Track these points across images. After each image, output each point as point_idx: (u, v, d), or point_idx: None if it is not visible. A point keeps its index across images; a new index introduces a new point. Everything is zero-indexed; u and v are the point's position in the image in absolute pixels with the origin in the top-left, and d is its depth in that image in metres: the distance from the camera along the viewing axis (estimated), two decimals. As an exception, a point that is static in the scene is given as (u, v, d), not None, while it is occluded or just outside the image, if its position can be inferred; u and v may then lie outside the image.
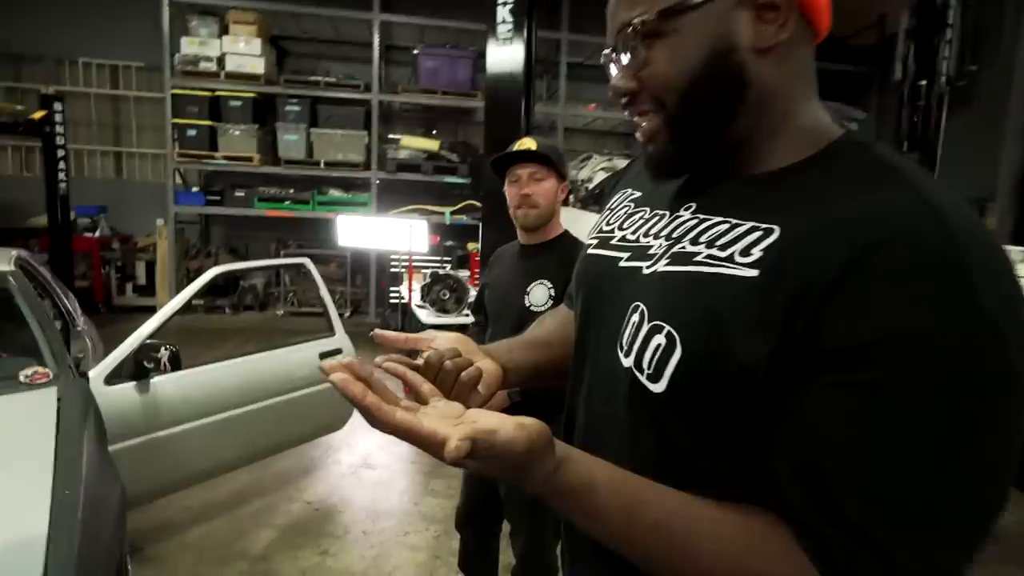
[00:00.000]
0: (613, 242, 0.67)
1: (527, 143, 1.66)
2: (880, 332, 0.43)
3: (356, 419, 2.53)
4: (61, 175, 5.00)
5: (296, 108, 6.04)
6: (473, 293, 3.64)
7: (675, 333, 0.52)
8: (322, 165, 6.10)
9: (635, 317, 0.57)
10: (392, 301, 5.98)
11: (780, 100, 0.55)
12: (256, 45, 5.86)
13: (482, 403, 0.66)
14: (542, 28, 4.27)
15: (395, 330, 0.68)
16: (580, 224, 1.87)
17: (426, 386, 0.54)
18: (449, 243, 6.13)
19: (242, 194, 6.16)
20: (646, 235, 0.63)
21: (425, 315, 4.03)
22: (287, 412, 2.43)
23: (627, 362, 0.57)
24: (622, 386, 0.58)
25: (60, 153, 5.00)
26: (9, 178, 6.61)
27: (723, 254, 0.52)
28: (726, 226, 0.54)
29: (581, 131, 7.32)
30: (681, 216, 0.60)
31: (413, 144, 6.31)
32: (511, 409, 1.61)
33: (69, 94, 6.27)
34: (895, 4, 4.29)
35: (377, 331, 0.67)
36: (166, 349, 2.02)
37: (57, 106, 4.93)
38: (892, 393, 0.43)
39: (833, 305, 0.44)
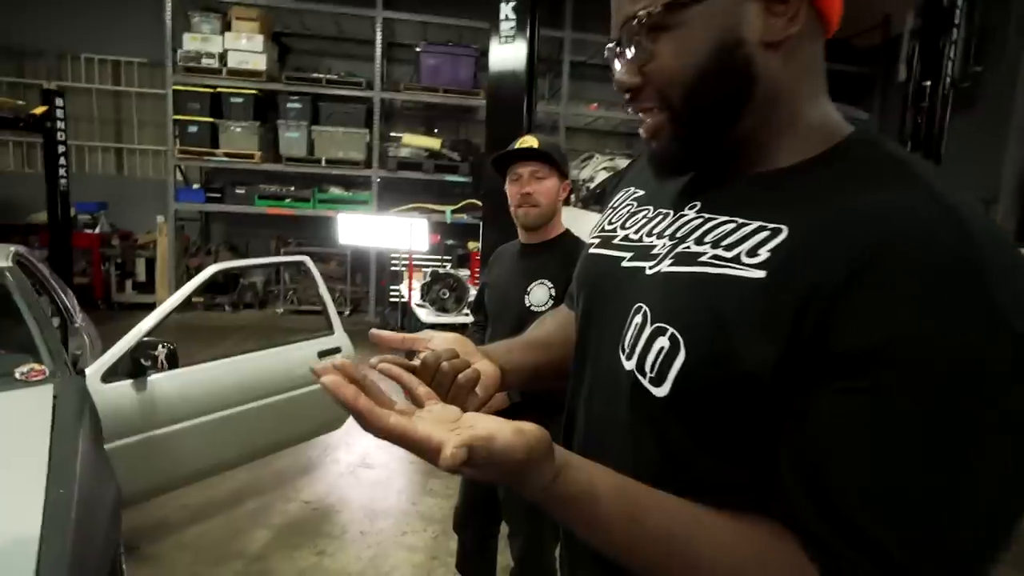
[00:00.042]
0: (615, 242, 0.66)
1: (529, 141, 1.64)
2: (894, 335, 0.41)
3: (355, 418, 2.51)
4: (62, 171, 4.98)
5: (297, 105, 6.02)
6: (473, 292, 3.63)
7: (679, 336, 0.51)
8: (323, 163, 6.08)
9: (638, 319, 0.56)
10: (392, 300, 5.97)
11: (789, 96, 0.53)
12: (258, 42, 5.85)
13: (480, 405, 0.64)
14: (545, 26, 4.25)
15: (395, 329, 0.67)
16: (581, 224, 1.85)
17: (422, 388, 0.52)
18: (450, 242, 6.12)
19: (243, 191, 6.15)
20: (649, 235, 0.62)
21: (425, 314, 4.02)
22: (285, 411, 2.42)
23: (629, 365, 0.56)
24: (623, 389, 0.56)
25: (61, 149, 4.98)
26: (10, 174, 6.60)
27: (729, 254, 0.50)
28: (732, 226, 0.52)
29: (583, 130, 7.30)
30: (685, 215, 0.58)
31: (414, 142, 6.30)
32: (510, 410, 1.59)
33: (71, 90, 6.26)
34: (900, 4, 4.28)
35: (374, 331, 0.65)
36: (163, 347, 2.01)
37: (58, 101, 4.91)
38: (908, 399, 0.42)
39: (844, 307, 0.43)
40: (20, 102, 5.11)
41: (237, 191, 6.15)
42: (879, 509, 0.42)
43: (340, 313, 2.84)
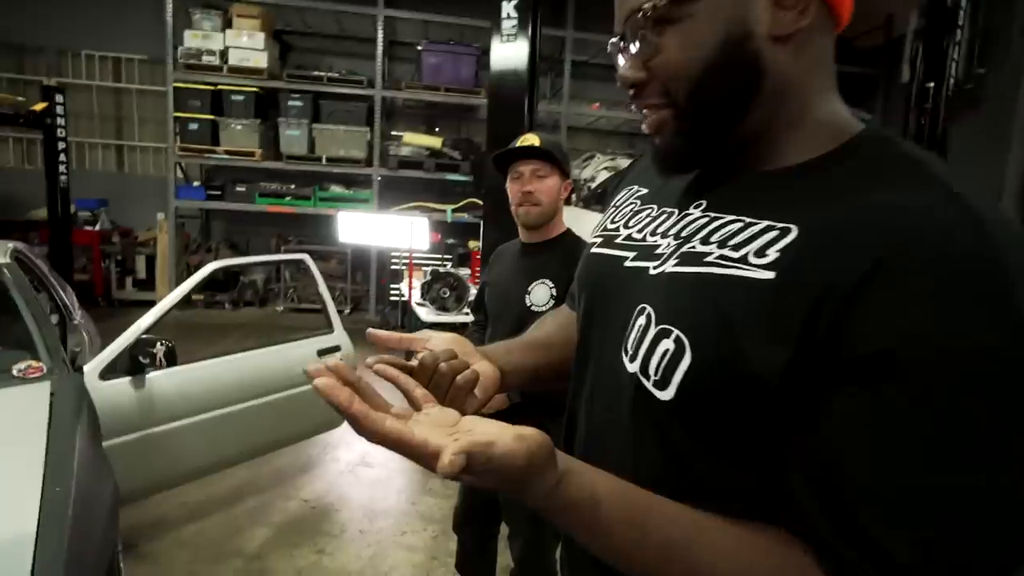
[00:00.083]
0: (618, 241, 0.64)
1: (530, 139, 1.63)
2: (910, 338, 0.40)
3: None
4: (62, 167, 4.97)
5: (298, 103, 6.02)
6: (473, 291, 3.62)
7: (684, 338, 0.49)
8: (324, 161, 6.07)
9: (641, 320, 0.54)
10: (392, 299, 5.97)
11: (797, 92, 0.52)
12: (259, 39, 5.84)
13: (479, 407, 0.63)
14: (547, 25, 4.24)
15: (395, 328, 0.66)
16: (582, 223, 1.84)
17: (419, 391, 0.51)
18: (450, 241, 6.11)
19: (243, 189, 6.14)
20: (653, 234, 0.60)
21: (425, 313, 4.01)
22: (284, 409, 2.41)
23: (632, 367, 0.54)
24: (626, 392, 0.55)
25: (61, 145, 4.98)
26: (10, 170, 6.59)
27: (736, 255, 0.49)
28: (739, 225, 0.51)
29: (584, 130, 7.29)
30: (691, 214, 0.57)
31: (415, 141, 6.29)
32: (510, 411, 1.59)
33: (71, 86, 6.25)
34: (903, 4, 4.26)
35: (371, 330, 0.64)
36: (162, 344, 2.00)
37: (59, 98, 4.91)
38: (926, 404, 0.40)
39: (858, 309, 0.41)
40: (20, 98, 5.10)
41: (238, 189, 6.14)
42: (895, 519, 0.41)
43: (340, 311, 2.83)
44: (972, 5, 3.17)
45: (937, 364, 0.40)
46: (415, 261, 4.94)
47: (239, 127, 5.91)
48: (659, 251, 0.57)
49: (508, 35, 3.40)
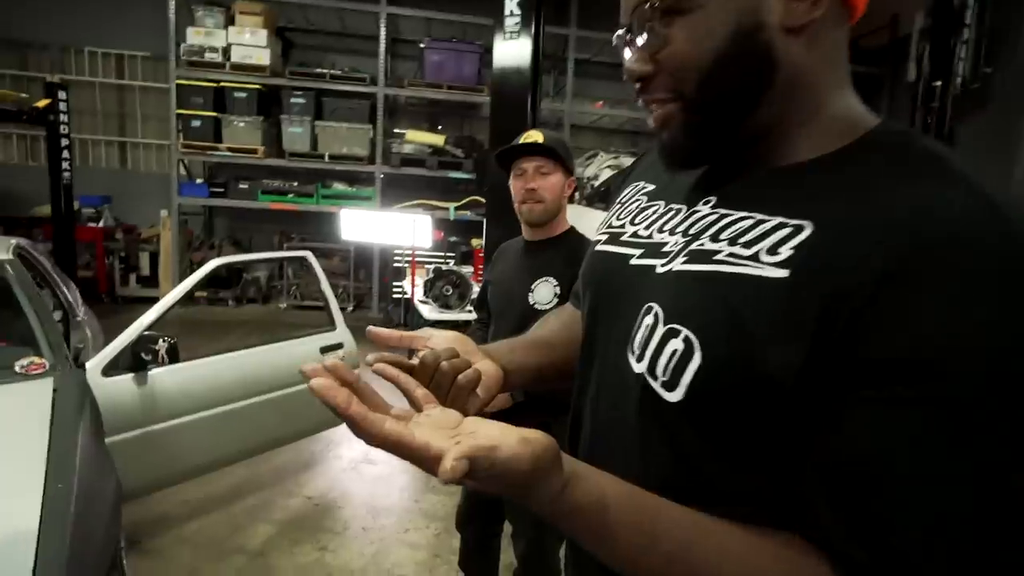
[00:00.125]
0: (624, 238, 0.63)
1: (534, 136, 1.62)
2: (935, 342, 0.39)
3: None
4: (65, 164, 4.98)
5: (301, 100, 6.01)
6: (476, 289, 3.62)
7: (693, 338, 0.48)
8: (326, 158, 6.07)
9: (648, 319, 0.53)
10: (395, 296, 5.97)
11: (810, 85, 0.50)
12: (262, 36, 5.83)
13: (481, 407, 0.62)
14: (550, 23, 4.23)
15: (398, 326, 0.65)
16: (585, 221, 1.83)
17: (420, 391, 0.50)
18: (453, 239, 6.11)
19: (246, 186, 6.14)
20: (660, 231, 0.59)
21: (428, 311, 4.01)
22: (287, 406, 2.41)
23: (639, 367, 0.53)
24: (633, 393, 0.54)
25: (64, 142, 4.98)
26: (14, 166, 6.61)
27: (747, 252, 0.48)
28: (750, 222, 0.49)
29: (588, 128, 7.27)
30: (699, 211, 0.56)
31: (418, 138, 6.28)
32: (513, 410, 1.58)
33: (74, 83, 6.25)
34: (908, 4, 4.23)
35: (371, 328, 0.63)
36: (164, 341, 2.00)
37: (61, 95, 4.90)
38: (955, 413, 0.39)
39: (879, 310, 0.40)
40: (23, 95, 5.10)
41: (240, 186, 6.14)
42: (918, 530, 0.39)
43: (343, 309, 2.83)
44: (979, 4, 3.14)
45: (966, 373, 0.38)
46: (418, 259, 4.94)
47: (242, 124, 5.91)
48: (666, 249, 0.56)
49: (511, 32, 3.39)
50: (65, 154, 4.96)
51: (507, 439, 0.41)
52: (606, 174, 4.70)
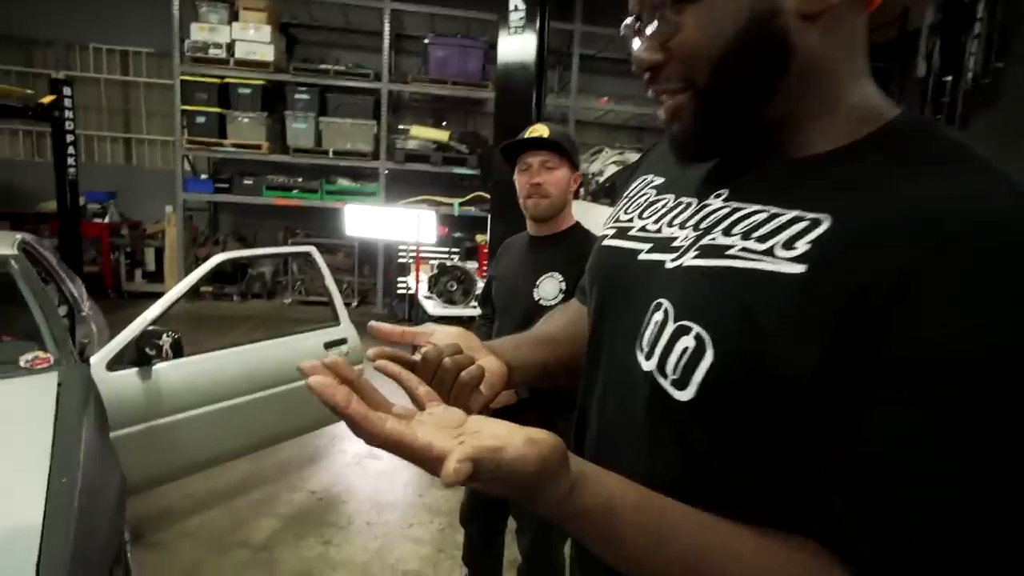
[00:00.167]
0: (631, 233, 0.61)
1: (539, 130, 1.61)
2: (963, 341, 0.37)
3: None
4: (70, 160, 4.99)
5: (305, 96, 6.00)
6: (480, 285, 3.61)
7: (705, 335, 0.46)
8: (331, 154, 6.07)
9: (658, 316, 0.51)
10: (399, 292, 5.97)
11: (828, 73, 0.48)
12: (266, 32, 5.83)
13: (485, 404, 0.60)
14: (555, 18, 4.20)
15: (401, 321, 0.64)
16: (590, 217, 1.82)
17: (422, 388, 0.48)
18: (457, 235, 6.10)
19: (250, 182, 6.15)
20: (670, 225, 0.57)
21: (432, 306, 4.00)
22: (290, 401, 2.41)
23: (648, 365, 0.51)
24: (641, 391, 0.52)
25: (69, 138, 4.99)
26: (20, 163, 6.63)
27: (761, 247, 0.46)
28: (764, 215, 0.48)
29: (592, 124, 7.24)
30: (711, 204, 0.54)
31: (422, 134, 6.27)
32: (518, 406, 1.57)
33: (79, 79, 6.27)
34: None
35: (372, 323, 0.61)
36: (168, 336, 2.00)
37: (66, 91, 4.92)
38: (978, 414, 0.37)
39: (903, 307, 0.38)
40: (29, 91, 5.12)
41: (245, 182, 6.15)
42: (938, 533, 0.38)
43: (348, 304, 2.83)
44: (990, -1, 3.10)
45: (994, 374, 0.37)
46: (422, 255, 4.94)
47: (246, 120, 5.91)
48: (676, 243, 0.55)
49: (516, 28, 3.37)
50: (70, 150, 4.98)
51: (513, 439, 0.40)
52: (611, 170, 4.68)
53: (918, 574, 0.39)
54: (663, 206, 0.61)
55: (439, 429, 0.41)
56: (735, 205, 0.51)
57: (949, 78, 3.08)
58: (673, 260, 0.53)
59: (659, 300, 0.52)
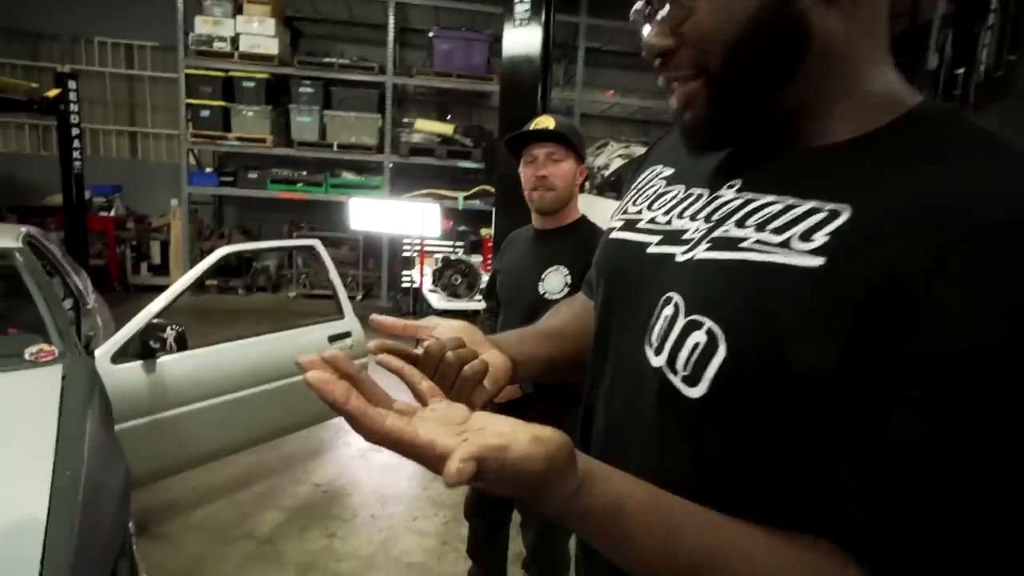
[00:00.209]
0: (640, 225, 0.60)
1: (545, 121, 1.59)
2: (995, 337, 0.35)
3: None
4: (76, 154, 5.00)
5: (310, 90, 5.99)
6: (485, 278, 3.60)
7: (717, 330, 0.45)
8: (335, 148, 6.06)
9: (667, 310, 0.50)
10: (404, 285, 5.97)
11: (848, 58, 0.46)
12: (270, 25, 5.81)
13: (488, 399, 0.59)
14: (560, 11, 4.17)
15: (406, 314, 0.62)
16: (596, 210, 1.80)
17: (425, 383, 0.47)
18: (462, 228, 6.09)
19: (255, 176, 6.15)
20: (680, 217, 0.56)
21: (436, 299, 4.00)
22: (294, 394, 2.41)
23: (657, 361, 0.50)
24: (650, 387, 0.51)
25: (75, 132, 5.00)
26: (26, 156, 6.66)
27: (777, 239, 0.44)
28: (780, 206, 0.46)
29: (598, 117, 7.21)
30: (723, 195, 0.52)
31: (427, 128, 6.25)
32: (523, 400, 1.56)
33: (84, 73, 6.27)
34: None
35: (374, 316, 0.60)
36: (172, 329, 2.00)
37: (71, 84, 4.92)
38: (1014, 414, 0.35)
39: (929, 301, 0.36)
40: (34, 84, 5.12)
41: (249, 175, 6.15)
42: (971, 543, 0.37)
43: (352, 298, 2.83)
44: (1005, -11, 3.05)
45: None
46: (426, 248, 4.93)
47: (250, 114, 5.91)
48: (687, 236, 0.53)
49: (521, 20, 3.35)
50: (76, 144, 4.99)
51: (518, 438, 0.38)
52: (617, 163, 4.65)
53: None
54: (673, 197, 0.59)
55: (442, 426, 0.40)
56: (749, 196, 0.50)
57: (961, 71, 3.02)
58: (684, 253, 0.52)
59: (669, 294, 0.50)
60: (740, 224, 0.48)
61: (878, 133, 0.46)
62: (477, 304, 3.69)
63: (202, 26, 5.78)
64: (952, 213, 0.38)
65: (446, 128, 6.26)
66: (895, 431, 0.38)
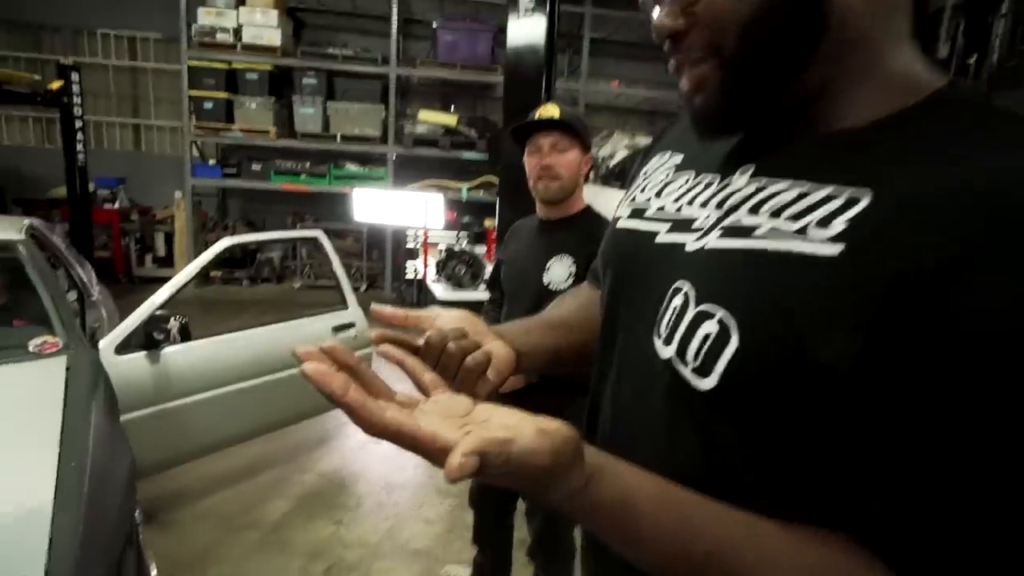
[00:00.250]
0: (648, 213, 0.58)
1: (550, 110, 1.57)
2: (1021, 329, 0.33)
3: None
4: (79, 146, 5.00)
5: (313, 81, 5.97)
6: (489, 269, 3.59)
7: (729, 321, 0.43)
8: (339, 139, 6.04)
9: (677, 300, 0.48)
10: (408, 276, 5.97)
11: (868, 38, 0.44)
12: (273, 16, 5.78)
13: (492, 390, 0.58)
14: (565, 1, 4.14)
15: (410, 305, 0.61)
16: (601, 201, 1.78)
17: (428, 375, 0.46)
18: (466, 219, 6.07)
19: (258, 167, 6.15)
20: (690, 204, 0.54)
21: (440, 290, 4.00)
22: (299, 384, 2.41)
23: (666, 352, 0.48)
24: (660, 379, 0.49)
25: (78, 124, 5.00)
26: (31, 149, 6.66)
27: (793, 227, 0.42)
28: (795, 193, 0.44)
29: (603, 108, 7.16)
30: (735, 181, 0.50)
31: (430, 119, 6.23)
32: (527, 391, 1.55)
33: (87, 65, 6.26)
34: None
35: (375, 306, 0.59)
36: (176, 320, 2.00)
37: (74, 77, 4.91)
38: None
39: (956, 291, 0.35)
40: (37, 77, 5.12)
41: (253, 167, 6.15)
42: (991, 536, 0.35)
43: (356, 289, 2.83)
44: (1019, -24, 2.99)
45: None
46: (430, 239, 4.92)
47: (254, 105, 5.89)
48: (697, 224, 0.51)
49: (525, 10, 3.32)
50: (79, 136, 4.99)
51: (523, 430, 0.37)
52: (622, 154, 4.63)
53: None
54: (682, 185, 0.57)
55: (445, 418, 0.39)
56: (763, 181, 0.48)
57: (973, 60, 2.97)
58: (694, 242, 0.50)
59: (679, 284, 0.49)
60: (754, 211, 0.46)
61: (901, 116, 0.43)
62: (481, 294, 3.69)
63: (205, 17, 5.75)
64: (980, 200, 0.36)
65: (450, 119, 6.23)
66: (918, 425, 0.37)
